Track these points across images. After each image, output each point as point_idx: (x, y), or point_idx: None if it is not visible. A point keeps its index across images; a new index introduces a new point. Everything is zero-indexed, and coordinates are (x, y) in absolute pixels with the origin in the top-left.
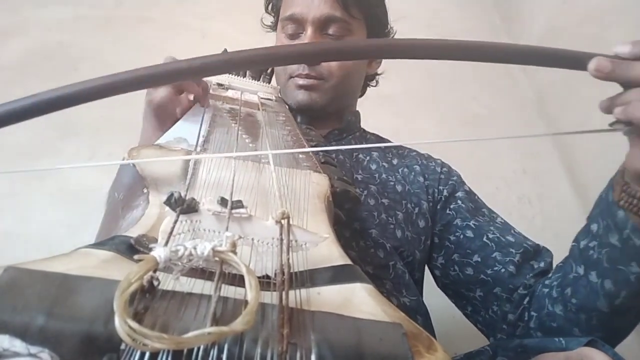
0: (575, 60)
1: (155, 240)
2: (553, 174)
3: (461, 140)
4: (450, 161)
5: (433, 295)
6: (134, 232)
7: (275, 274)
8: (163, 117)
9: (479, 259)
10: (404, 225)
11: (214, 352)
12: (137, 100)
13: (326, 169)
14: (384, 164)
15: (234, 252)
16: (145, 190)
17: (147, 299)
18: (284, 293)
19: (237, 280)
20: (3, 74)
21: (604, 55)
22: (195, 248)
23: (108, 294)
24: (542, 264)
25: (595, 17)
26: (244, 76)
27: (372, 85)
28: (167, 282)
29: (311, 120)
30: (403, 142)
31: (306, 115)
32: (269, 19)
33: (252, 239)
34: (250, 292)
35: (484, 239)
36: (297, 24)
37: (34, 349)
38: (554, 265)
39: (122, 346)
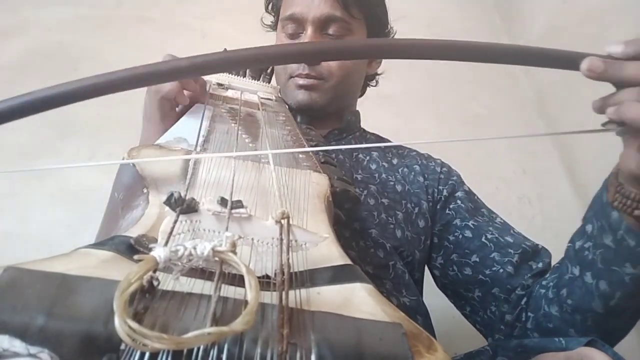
0: (567, 61)
1: (155, 240)
2: (553, 174)
3: (461, 140)
4: (450, 161)
5: (433, 295)
6: (133, 232)
7: (275, 274)
8: (166, 111)
9: (478, 259)
10: (404, 225)
11: (213, 352)
12: (137, 100)
13: (326, 168)
14: (384, 163)
15: (234, 252)
16: (145, 190)
17: (147, 299)
18: (283, 293)
19: (237, 280)
20: (3, 74)
21: (597, 55)
22: (195, 248)
23: (108, 294)
24: (540, 265)
25: (595, 17)
26: (244, 76)
27: (372, 85)
28: (167, 282)
29: (311, 120)
30: (403, 142)
31: (306, 115)
32: (269, 19)
33: (252, 239)
34: (250, 292)
35: (483, 239)
36: (297, 24)
37: (33, 349)
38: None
39: (122, 346)
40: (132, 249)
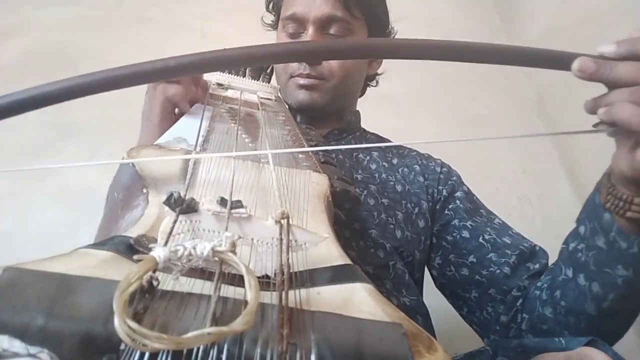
0: (558, 61)
1: (155, 240)
2: (553, 175)
3: (461, 140)
4: (450, 161)
5: (433, 295)
6: (133, 232)
7: (275, 274)
8: (167, 113)
9: (475, 260)
10: (404, 226)
11: (213, 352)
12: (137, 100)
13: (326, 168)
14: (384, 163)
15: (234, 252)
16: (144, 190)
17: (146, 299)
18: (283, 293)
19: (237, 280)
20: (3, 74)
21: (588, 55)
22: (194, 248)
23: (107, 294)
24: (537, 266)
25: (595, 17)
26: (244, 76)
27: (372, 85)
28: (167, 282)
29: (311, 120)
30: (403, 142)
31: (306, 115)
32: (269, 18)
33: (252, 239)
34: (249, 292)
35: (480, 240)
36: (298, 24)
37: (33, 349)
38: None
39: (122, 346)
40: (132, 249)
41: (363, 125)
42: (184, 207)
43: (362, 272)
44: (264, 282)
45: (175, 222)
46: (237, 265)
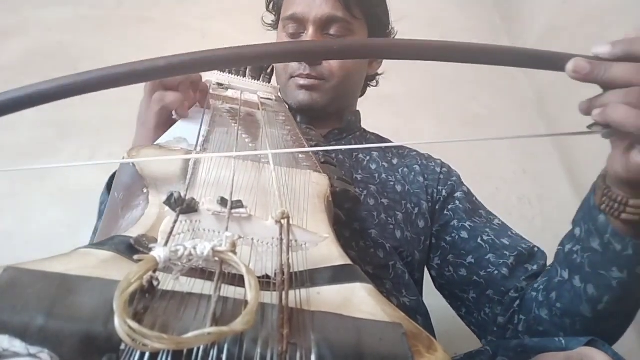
0: (553, 61)
1: (155, 240)
2: (553, 175)
3: (461, 141)
4: (450, 161)
5: (433, 295)
6: (133, 232)
7: (275, 274)
8: (163, 120)
9: (473, 261)
10: (404, 226)
11: (213, 352)
12: (137, 100)
13: (326, 168)
14: (384, 163)
15: (234, 252)
16: (145, 190)
17: (146, 299)
18: (283, 293)
19: (237, 280)
20: (3, 74)
21: (583, 56)
22: (195, 248)
23: (108, 294)
24: (535, 267)
25: (595, 17)
26: (244, 76)
27: (372, 86)
28: (167, 282)
29: (311, 120)
30: (403, 142)
31: (306, 115)
32: (269, 18)
33: (252, 239)
34: (250, 292)
35: (479, 241)
36: (299, 24)
37: (33, 349)
38: None
39: (122, 346)
40: (132, 249)
41: (363, 125)
42: (185, 207)
43: (362, 272)
44: (264, 282)
45: (175, 222)
46: (238, 265)
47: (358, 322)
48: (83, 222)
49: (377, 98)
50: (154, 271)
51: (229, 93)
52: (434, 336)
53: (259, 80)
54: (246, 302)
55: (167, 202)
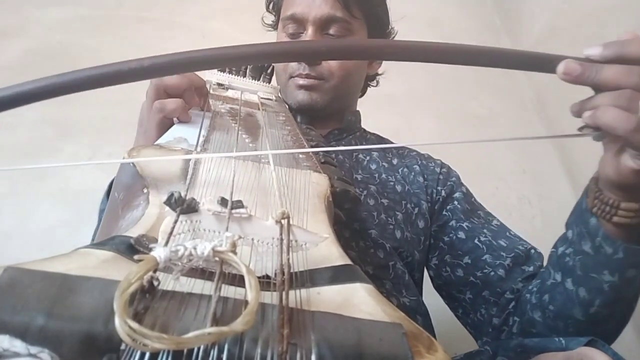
0: (544, 63)
1: (155, 240)
2: (553, 175)
3: (461, 142)
4: (450, 161)
5: (433, 295)
6: (134, 232)
7: (275, 274)
8: (165, 127)
9: (469, 261)
10: (404, 226)
11: (214, 353)
12: (137, 100)
13: (326, 169)
14: (384, 163)
15: (234, 252)
16: (145, 190)
17: (147, 299)
18: (284, 293)
19: (237, 280)
20: (3, 74)
21: (574, 57)
22: (195, 248)
23: (108, 294)
24: (531, 268)
25: (595, 17)
26: (244, 76)
27: (372, 85)
28: (167, 282)
29: (311, 120)
30: (403, 142)
31: (306, 115)
32: (269, 18)
33: (252, 239)
34: (250, 292)
35: (476, 241)
36: (298, 24)
37: (33, 349)
38: None
39: (122, 346)
40: (132, 249)
41: (363, 125)
42: (185, 207)
43: (362, 273)
44: (265, 282)
45: (175, 222)
46: (238, 265)
47: (358, 322)
48: (83, 222)
49: (377, 98)
50: (154, 271)
51: (229, 93)
52: (434, 336)
53: (259, 80)
54: (246, 302)
55: (168, 202)
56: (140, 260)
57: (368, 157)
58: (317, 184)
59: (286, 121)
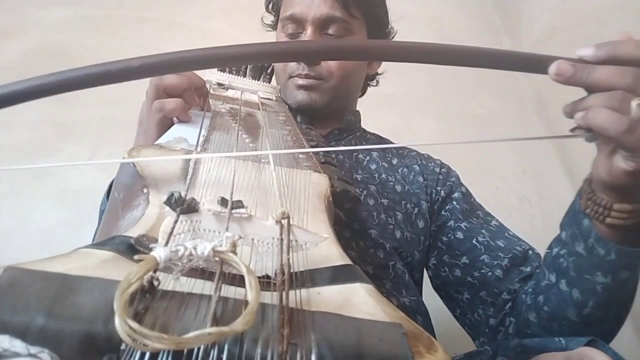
0: (536, 64)
1: (156, 240)
2: (553, 175)
3: (461, 142)
4: (450, 161)
5: (433, 295)
6: (134, 232)
7: (276, 274)
8: (165, 127)
9: (467, 261)
10: (404, 226)
11: (214, 353)
12: (137, 100)
13: (326, 169)
14: (384, 163)
15: (234, 252)
16: (145, 190)
17: (147, 299)
18: (284, 293)
19: (237, 280)
20: (3, 74)
21: (566, 58)
22: (195, 248)
23: (108, 294)
24: (528, 269)
25: (595, 17)
26: (244, 76)
27: (372, 85)
28: (167, 282)
29: (311, 120)
30: (403, 142)
31: (306, 115)
32: (269, 18)
33: (252, 239)
34: (250, 292)
35: (474, 242)
36: (297, 24)
37: (33, 349)
38: None
39: (122, 346)
40: (133, 249)
41: (363, 125)
42: (185, 207)
43: (362, 272)
44: (265, 282)
45: (175, 222)
46: (238, 265)
47: (358, 322)
48: (83, 222)
49: (377, 98)
50: (155, 271)
51: (229, 93)
52: (434, 336)
53: (259, 80)
54: (246, 302)
55: (168, 202)
56: (140, 260)
57: (368, 157)
58: (317, 184)
59: (286, 121)
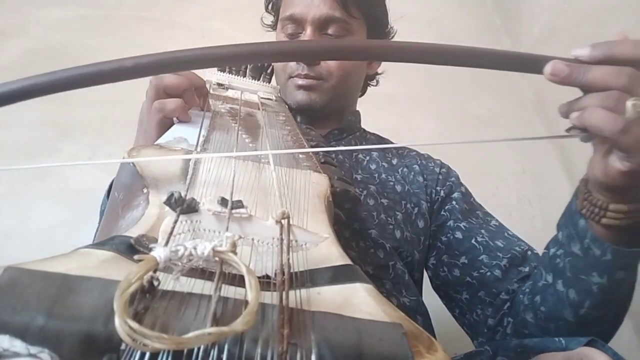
0: (531, 64)
1: (155, 240)
2: (553, 175)
3: (461, 142)
4: (450, 161)
5: (433, 295)
6: (134, 232)
7: (275, 274)
8: (165, 128)
9: (466, 261)
10: (403, 226)
11: (214, 353)
12: (137, 100)
13: (326, 169)
14: (384, 163)
15: (234, 252)
16: (145, 190)
17: (147, 299)
18: (284, 293)
19: (237, 280)
20: (3, 74)
21: (562, 58)
22: (195, 248)
23: (108, 294)
24: (527, 269)
25: (595, 17)
26: (244, 76)
27: (372, 85)
28: (167, 282)
29: (311, 120)
30: (403, 142)
31: (306, 115)
32: (269, 19)
33: (252, 239)
34: (250, 292)
35: (472, 242)
36: (297, 24)
37: (33, 349)
38: None
39: (122, 346)
40: (132, 249)
41: (363, 125)
42: (185, 207)
43: (362, 272)
44: (265, 282)
45: (175, 222)
46: (238, 265)
47: (358, 322)
48: (83, 222)
49: (376, 98)
50: (154, 271)
51: (229, 93)
52: (434, 336)
53: (259, 80)
54: (246, 302)
55: (167, 202)
56: (140, 260)
57: (368, 157)
58: (317, 184)
59: (286, 121)
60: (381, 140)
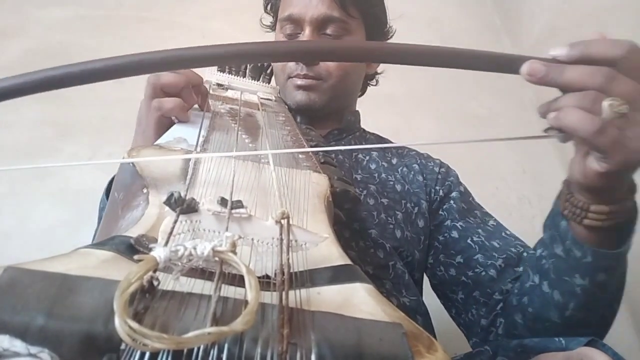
0: (507, 64)
1: (155, 240)
2: (553, 175)
3: (461, 142)
4: (450, 161)
5: (433, 295)
6: (133, 232)
7: (275, 274)
8: (163, 127)
9: (462, 261)
10: (404, 225)
11: (214, 352)
12: (137, 100)
13: (326, 169)
14: (384, 163)
15: (234, 252)
16: (145, 190)
17: (147, 299)
18: (284, 293)
19: (237, 280)
20: (3, 74)
21: (539, 58)
22: (195, 248)
23: (108, 294)
24: (521, 269)
25: (595, 17)
26: (244, 76)
27: (372, 85)
28: (167, 282)
29: (310, 120)
30: (403, 142)
31: (305, 115)
32: (268, 19)
33: (252, 239)
34: (250, 292)
35: (468, 241)
36: (296, 24)
37: (33, 349)
38: None
39: (122, 346)
40: (132, 249)
41: (363, 125)
42: (185, 207)
43: (362, 272)
44: (264, 282)
45: (175, 222)
46: (238, 265)
47: (358, 322)
48: (83, 222)
49: (376, 98)
50: (154, 271)
51: (229, 93)
52: (434, 336)
53: (258, 80)
54: (246, 302)
55: (167, 202)
56: (140, 260)
57: (367, 157)
58: (317, 184)
59: (286, 121)
60: (381, 140)
